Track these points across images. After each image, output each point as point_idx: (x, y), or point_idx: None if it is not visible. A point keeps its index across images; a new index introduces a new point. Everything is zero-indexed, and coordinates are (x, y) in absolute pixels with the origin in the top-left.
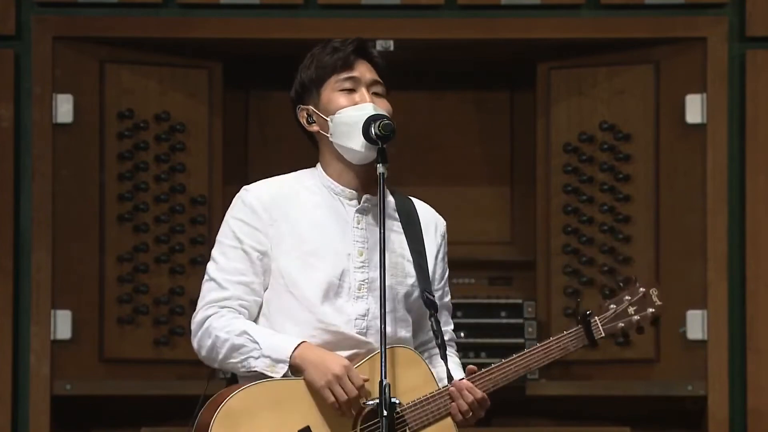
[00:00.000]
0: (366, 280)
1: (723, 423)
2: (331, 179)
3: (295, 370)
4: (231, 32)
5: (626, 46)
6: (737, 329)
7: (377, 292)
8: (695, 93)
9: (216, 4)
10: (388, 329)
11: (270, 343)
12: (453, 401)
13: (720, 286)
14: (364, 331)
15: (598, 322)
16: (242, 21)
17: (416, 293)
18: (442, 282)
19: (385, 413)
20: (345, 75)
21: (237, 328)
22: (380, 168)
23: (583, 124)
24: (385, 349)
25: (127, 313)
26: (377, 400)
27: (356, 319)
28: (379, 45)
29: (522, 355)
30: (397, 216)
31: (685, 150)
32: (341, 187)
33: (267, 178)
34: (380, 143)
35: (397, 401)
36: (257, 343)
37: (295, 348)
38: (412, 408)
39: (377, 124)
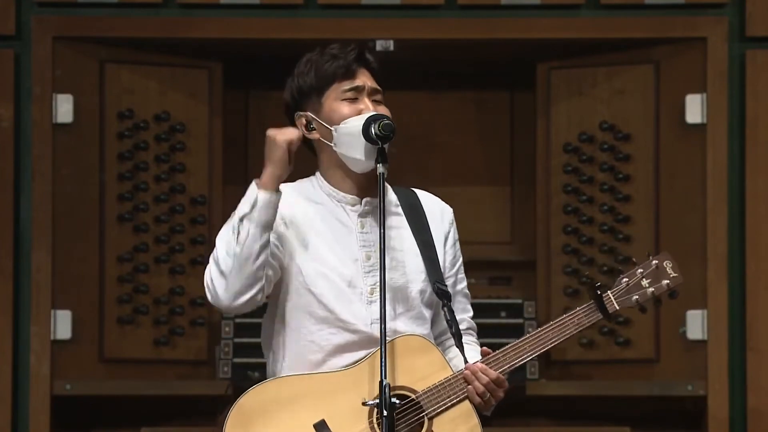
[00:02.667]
0: (377, 283)
1: (723, 423)
2: (332, 187)
3: (262, 184)
4: (231, 32)
5: (626, 46)
6: (737, 329)
7: (391, 294)
8: (695, 93)
9: (216, 4)
10: (404, 328)
11: (240, 204)
12: (469, 384)
13: (720, 286)
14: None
15: (611, 295)
16: (242, 21)
17: (430, 288)
18: (455, 268)
19: (385, 413)
20: (348, 85)
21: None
22: (380, 168)
23: (583, 124)
24: (385, 349)
25: (127, 313)
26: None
27: (372, 323)
28: (379, 45)
29: (536, 333)
30: (400, 211)
31: (685, 150)
32: (342, 194)
33: None
34: (380, 143)
35: (397, 402)
36: (233, 214)
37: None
38: (428, 394)
39: (377, 124)
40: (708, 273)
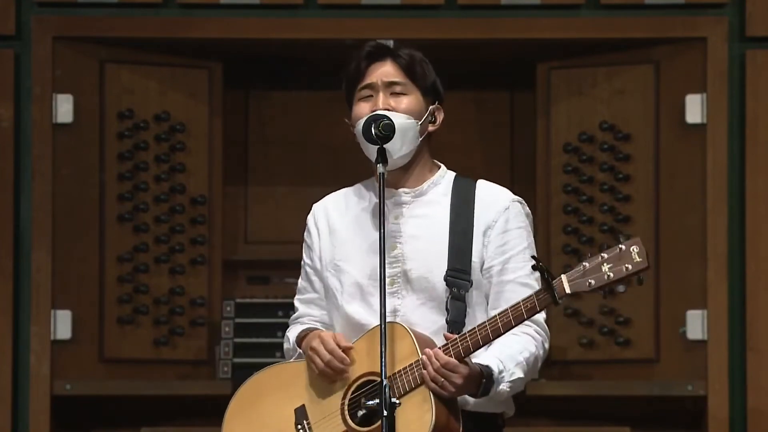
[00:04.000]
0: (399, 274)
1: (723, 423)
2: (375, 181)
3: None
4: (231, 32)
5: (626, 46)
6: (737, 329)
7: (411, 285)
8: (695, 93)
9: (216, 4)
10: (420, 320)
11: (293, 338)
12: (424, 369)
13: (720, 286)
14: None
15: (563, 279)
16: (242, 21)
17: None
18: (504, 256)
19: (385, 413)
20: (360, 85)
21: (286, 335)
22: (380, 168)
23: (583, 124)
24: (386, 348)
25: (127, 313)
26: (376, 401)
27: (394, 312)
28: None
29: (492, 319)
30: (444, 201)
31: (685, 150)
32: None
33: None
34: (380, 143)
35: (398, 402)
36: (290, 341)
37: (302, 338)
38: (392, 379)
39: (377, 124)
40: (708, 273)
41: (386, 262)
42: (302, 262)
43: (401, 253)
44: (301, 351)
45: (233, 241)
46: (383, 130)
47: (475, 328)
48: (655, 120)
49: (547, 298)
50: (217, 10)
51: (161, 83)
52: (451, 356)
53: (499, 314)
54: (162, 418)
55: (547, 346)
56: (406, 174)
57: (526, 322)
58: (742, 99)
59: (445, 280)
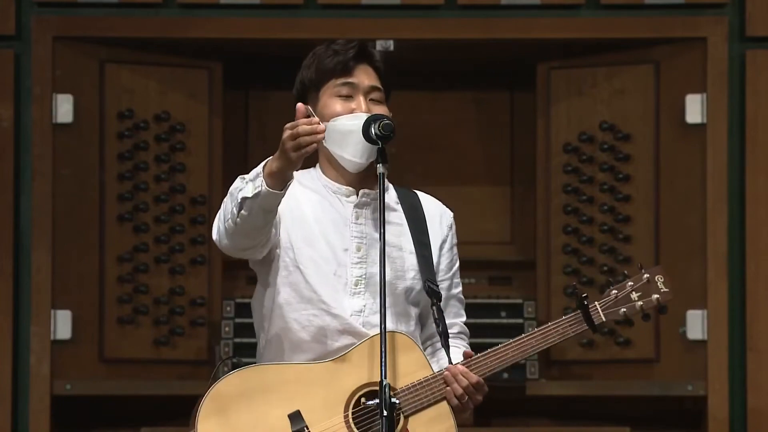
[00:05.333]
0: (363, 276)
1: (723, 423)
2: (329, 179)
3: (269, 173)
4: (231, 32)
5: (626, 46)
6: (737, 329)
7: (375, 288)
8: (695, 93)
9: (216, 4)
10: (388, 324)
11: (250, 173)
12: (448, 386)
13: (720, 286)
14: (361, 326)
15: (598, 307)
16: (242, 21)
17: (419, 286)
18: (450, 273)
19: (385, 413)
20: (342, 80)
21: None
22: (380, 168)
23: (583, 124)
24: (386, 348)
25: (127, 313)
26: (376, 401)
27: (352, 315)
28: (379, 45)
29: (519, 339)
30: (399, 209)
31: (685, 150)
32: (337, 185)
33: None
34: (380, 143)
35: (397, 402)
36: (241, 178)
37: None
38: (405, 392)
39: (377, 124)
40: (708, 273)
41: (351, 262)
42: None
43: (366, 255)
44: (263, 172)
45: None
46: (383, 130)
47: (499, 348)
48: (655, 120)
49: (582, 326)
50: (217, 10)
51: (161, 83)
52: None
53: (526, 335)
54: (162, 418)
55: None
56: (366, 177)
57: (461, 335)
58: (742, 99)
59: (426, 291)
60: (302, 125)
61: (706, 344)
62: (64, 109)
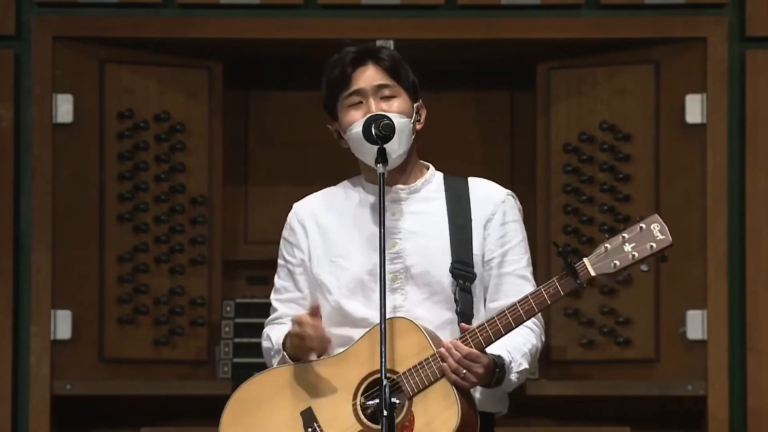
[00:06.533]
0: (401, 271)
1: (723, 423)
2: (367, 182)
3: (290, 355)
4: (231, 32)
5: (626, 46)
6: (737, 329)
7: (414, 280)
8: (695, 93)
9: (216, 4)
10: (426, 314)
11: (275, 339)
12: (444, 362)
13: (720, 286)
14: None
15: (586, 262)
16: (242, 21)
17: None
18: (503, 248)
19: (385, 413)
20: (347, 92)
21: (265, 334)
22: (380, 168)
23: (583, 124)
24: (386, 348)
25: (127, 313)
26: (376, 400)
27: (396, 309)
28: (379, 45)
29: (513, 307)
30: (439, 197)
31: (685, 150)
32: (374, 186)
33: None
34: (380, 143)
35: (397, 402)
36: (271, 341)
37: (285, 336)
38: (407, 375)
39: (377, 124)
40: (708, 273)
41: (387, 258)
42: (281, 261)
43: (402, 249)
44: (285, 353)
45: (233, 241)
46: (383, 130)
47: (494, 317)
48: (655, 120)
49: (570, 282)
50: (217, 10)
51: (161, 83)
52: (470, 347)
53: (519, 302)
54: (162, 418)
55: (543, 338)
56: (401, 173)
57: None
58: (742, 99)
59: (451, 272)
60: (309, 332)
61: (706, 344)
62: (64, 109)
